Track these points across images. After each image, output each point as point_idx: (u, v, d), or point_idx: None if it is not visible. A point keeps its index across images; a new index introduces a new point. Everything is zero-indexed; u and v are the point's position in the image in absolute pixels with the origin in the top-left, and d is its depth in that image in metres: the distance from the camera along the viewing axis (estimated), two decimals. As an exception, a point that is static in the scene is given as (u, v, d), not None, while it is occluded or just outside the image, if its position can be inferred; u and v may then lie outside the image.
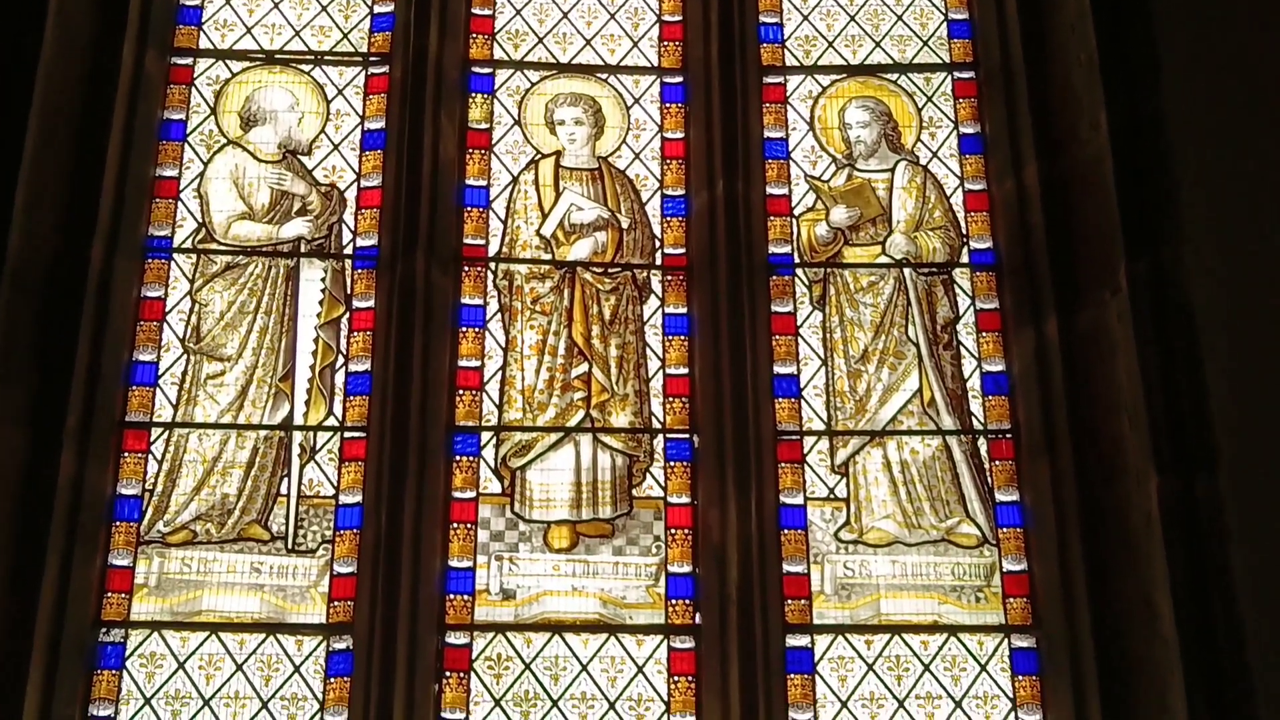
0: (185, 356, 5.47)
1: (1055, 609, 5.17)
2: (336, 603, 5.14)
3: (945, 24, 6.22)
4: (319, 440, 5.40)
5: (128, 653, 5.04)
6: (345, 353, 5.52)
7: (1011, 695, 5.17)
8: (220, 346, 5.50)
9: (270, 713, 5.00)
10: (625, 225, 5.83)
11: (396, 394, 5.32)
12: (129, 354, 5.41)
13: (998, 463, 5.49)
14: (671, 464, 5.46)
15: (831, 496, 5.45)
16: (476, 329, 5.60)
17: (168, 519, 5.24)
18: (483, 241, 5.76)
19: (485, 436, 5.45)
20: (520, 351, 5.59)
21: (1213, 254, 5.13)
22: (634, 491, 5.44)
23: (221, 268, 5.62)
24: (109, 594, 5.10)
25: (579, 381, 5.57)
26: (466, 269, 5.68)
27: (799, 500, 5.39)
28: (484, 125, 5.95)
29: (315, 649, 5.09)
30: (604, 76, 6.10)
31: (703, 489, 5.37)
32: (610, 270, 5.75)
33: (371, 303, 5.56)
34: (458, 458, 5.39)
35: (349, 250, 5.69)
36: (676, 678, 5.13)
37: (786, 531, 5.32)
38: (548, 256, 5.76)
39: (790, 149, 5.97)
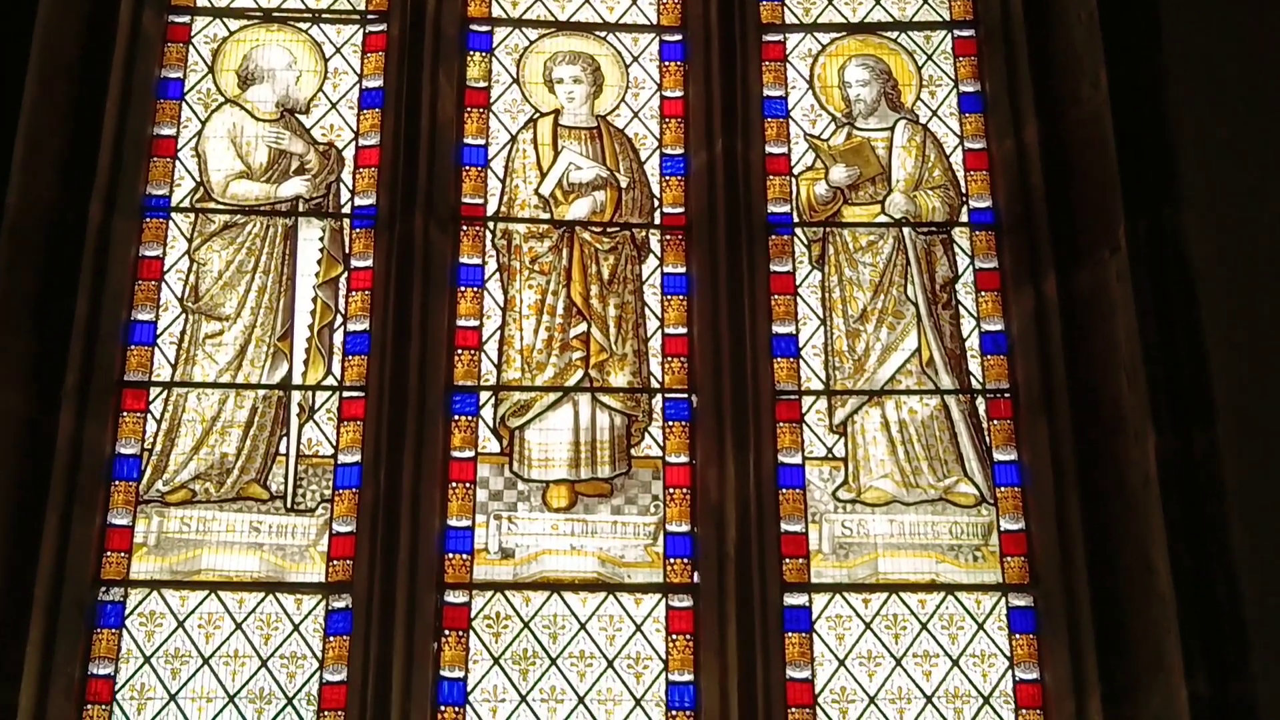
0: (184, 316, 5.47)
1: (1052, 568, 5.18)
2: (335, 562, 5.15)
3: (945, -19, 6.20)
4: (318, 399, 5.40)
5: (127, 611, 5.05)
6: (344, 312, 5.51)
7: (1009, 653, 5.19)
8: (219, 306, 5.49)
9: (270, 671, 5.02)
10: (624, 184, 5.82)
11: (395, 353, 5.32)
12: (127, 313, 5.41)
13: (996, 422, 5.50)
14: (670, 423, 5.46)
15: (830, 456, 5.45)
16: (475, 288, 5.59)
17: (167, 478, 5.25)
18: (481, 201, 5.75)
19: (484, 396, 5.45)
20: (519, 311, 5.59)
21: (1212, 213, 5.12)
22: (632, 451, 5.45)
23: (220, 227, 5.61)
24: (108, 553, 5.11)
25: (577, 341, 5.56)
26: (465, 228, 5.67)
27: (797, 460, 5.40)
28: (482, 84, 5.93)
29: (314, 608, 5.10)
30: (603, 34, 6.08)
31: (701, 448, 5.37)
32: (609, 230, 5.74)
33: (370, 262, 5.55)
34: (456, 417, 5.39)
35: (347, 209, 5.68)
36: (675, 636, 5.15)
37: (784, 491, 5.33)
38: (546, 216, 5.75)
39: (790, 108, 5.96)
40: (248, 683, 5.00)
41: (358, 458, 5.28)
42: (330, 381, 5.42)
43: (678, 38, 6.05)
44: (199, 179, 5.68)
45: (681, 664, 5.11)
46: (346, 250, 5.61)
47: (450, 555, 5.20)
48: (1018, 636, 5.21)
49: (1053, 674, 5.11)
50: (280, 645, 5.06)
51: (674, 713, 5.06)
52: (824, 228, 5.77)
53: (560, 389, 5.49)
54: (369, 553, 5.08)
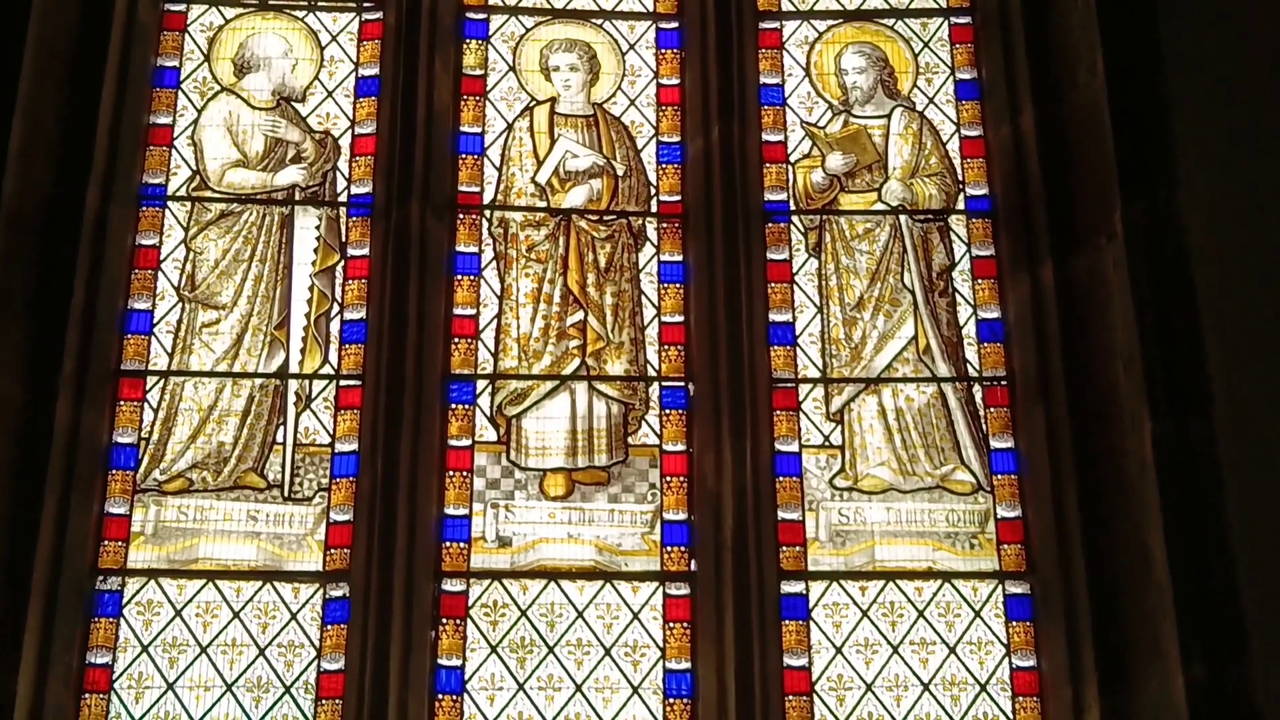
0: (180, 304, 5.47)
1: (1049, 555, 5.18)
2: (333, 550, 5.15)
3: (941, -32, 6.18)
4: (314, 388, 5.40)
5: (125, 600, 5.05)
6: (340, 301, 5.51)
7: (1005, 641, 5.19)
8: (215, 294, 5.49)
9: (267, 659, 5.02)
10: (620, 172, 5.81)
11: (392, 342, 5.32)
12: (124, 302, 5.41)
13: (993, 409, 5.49)
14: (667, 412, 5.46)
15: (826, 444, 5.45)
16: (471, 277, 5.59)
17: (164, 467, 5.25)
18: (477, 189, 5.74)
19: (480, 384, 5.45)
20: (515, 299, 5.59)
21: (1209, 199, 5.12)
22: (629, 439, 5.45)
23: (216, 215, 5.61)
24: (105, 542, 5.11)
25: (574, 329, 5.56)
26: (461, 216, 5.67)
27: (794, 448, 5.39)
28: (478, 72, 5.92)
29: (312, 596, 5.10)
30: (599, 22, 6.07)
31: (698, 436, 5.37)
32: (605, 218, 5.74)
33: (366, 250, 5.55)
34: (453, 406, 5.39)
35: (343, 198, 5.68)
36: (672, 624, 5.15)
37: (781, 479, 5.33)
38: (543, 204, 5.75)
39: (786, 95, 5.95)
40: (245, 671, 5.00)
41: (355, 446, 5.27)
42: (327, 370, 5.42)
43: (674, 25, 6.04)
44: (195, 168, 5.68)
45: (679, 652, 5.11)
46: (343, 239, 5.60)
47: (447, 544, 5.20)
48: (1014, 624, 5.20)
49: (1049, 661, 5.11)
50: (278, 634, 5.05)
51: (671, 700, 5.05)
52: (820, 215, 5.76)
53: (557, 377, 5.49)
54: (366, 541, 5.08)
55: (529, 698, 5.04)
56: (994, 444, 5.44)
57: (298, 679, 5.00)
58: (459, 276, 5.57)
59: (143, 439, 5.27)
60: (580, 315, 5.57)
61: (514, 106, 5.91)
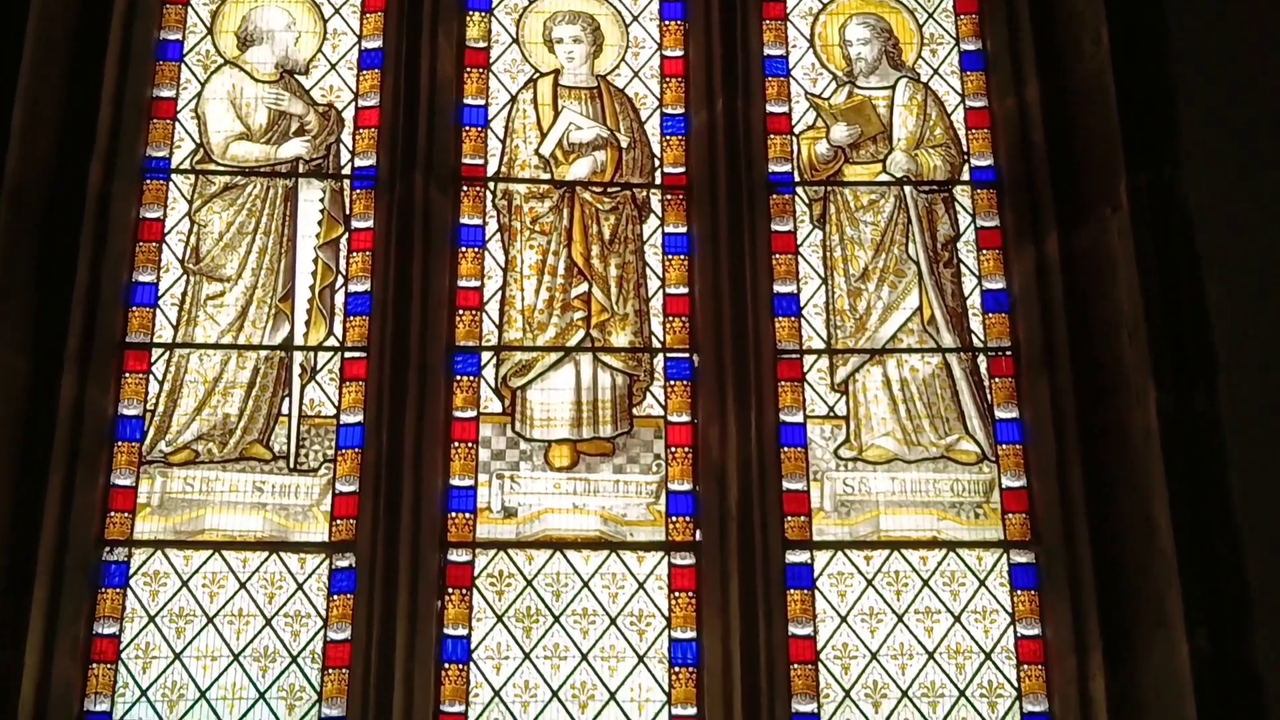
0: (185, 277, 5.47)
1: (1054, 524, 5.20)
2: (339, 521, 5.16)
3: (945, -62, 6.17)
4: (319, 360, 5.41)
5: (131, 571, 5.06)
6: (345, 273, 5.51)
7: (1010, 610, 5.20)
8: (220, 267, 5.49)
9: (274, 629, 5.03)
10: (624, 144, 5.81)
11: (396, 314, 5.33)
12: (128, 275, 5.41)
13: (997, 380, 5.50)
14: (671, 383, 5.46)
15: (831, 414, 5.46)
16: (476, 249, 5.59)
17: (169, 439, 5.25)
18: (481, 161, 5.74)
19: (485, 356, 5.45)
20: (520, 271, 5.59)
21: (1213, 169, 5.12)
22: (634, 410, 5.45)
23: (220, 188, 5.61)
24: (112, 514, 5.12)
25: (579, 301, 5.56)
26: (465, 189, 5.67)
27: (799, 418, 5.40)
28: (482, 44, 5.91)
29: (318, 567, 5.12)
30: (602, -6, 6.07)
31: (703, 407, 5.37)
32: (609, 190, 5.73)
33: (370, 223, 5.55)
34: (458, 377, 5.40)
35: (347, 170, 5.67)
36: (677, 593, 5.16)
37: (786, 449, 5.33)
38: (547, 176, 5.74)
39: (790, 66, 5.94)
40: (252, 641, 5.01)
41: (360, 418, 5.28)
42: (332, 342, 5.42)
43: (678, -4, 6.04)
44: (199, 141, 5.67)
45: (684, 621, 5.12)
46: (347, 211, 5.60)
47: (453, 514, 5.21)
48: (1019, 593, 5.22)
49: (1054, 630, 5.13)
50: (284, 604, 5.07)
51: (677, 669, 5.07)
52: (825, 187, 5.76)
53: (562, 349, 5.50)
54: (372, 512, 5.10)
55: (535, 666, 5.05)
56: (999, 414, 5.45)
57: (304, 649, 5.01)
58: (463, 249, 5.57)
59: (148, 411, 5.27)
60: (585, 287, 5.57)
61: (517, 79, 5.90)
